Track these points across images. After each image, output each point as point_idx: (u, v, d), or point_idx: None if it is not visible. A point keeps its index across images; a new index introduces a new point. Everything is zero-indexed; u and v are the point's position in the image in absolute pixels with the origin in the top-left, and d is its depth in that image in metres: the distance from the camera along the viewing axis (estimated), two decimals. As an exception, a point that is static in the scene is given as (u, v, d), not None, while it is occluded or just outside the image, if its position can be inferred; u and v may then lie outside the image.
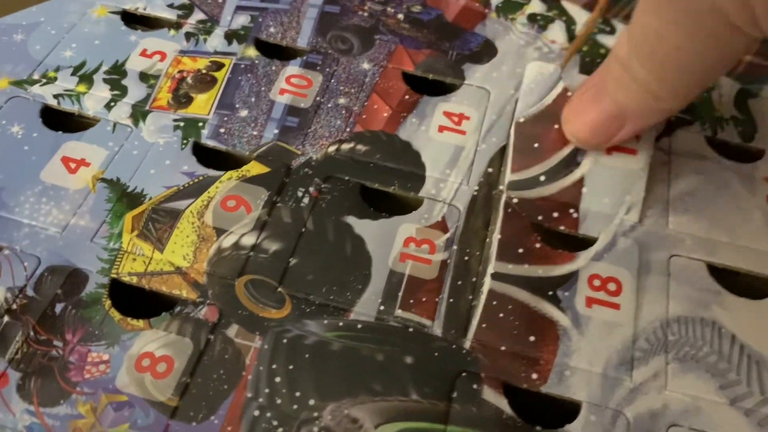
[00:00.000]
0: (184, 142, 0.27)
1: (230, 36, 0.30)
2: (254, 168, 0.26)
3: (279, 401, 0.21)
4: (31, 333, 0.22)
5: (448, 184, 0.26)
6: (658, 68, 0.20)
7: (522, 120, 0.25)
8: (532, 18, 0.31)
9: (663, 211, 0.25)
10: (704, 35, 0.19)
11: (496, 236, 0.24)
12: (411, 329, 0.22)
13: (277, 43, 0.30)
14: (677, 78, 0.20)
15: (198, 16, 0.31)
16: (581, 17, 0.31)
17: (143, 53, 0.29)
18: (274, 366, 0.21)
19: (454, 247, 0.24)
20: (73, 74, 0.29)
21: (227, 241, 0.24)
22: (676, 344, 0.22)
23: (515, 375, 0.21)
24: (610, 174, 0.24)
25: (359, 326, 0.22)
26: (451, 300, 0.23)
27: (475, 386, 0.21)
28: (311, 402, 0.21)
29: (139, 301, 0.23)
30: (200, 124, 0.27)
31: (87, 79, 0.28)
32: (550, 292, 0.23)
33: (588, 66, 0.29)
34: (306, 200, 0.25)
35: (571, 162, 0.25)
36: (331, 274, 0.23)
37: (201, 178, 0.26)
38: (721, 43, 0.19)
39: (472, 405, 0.21)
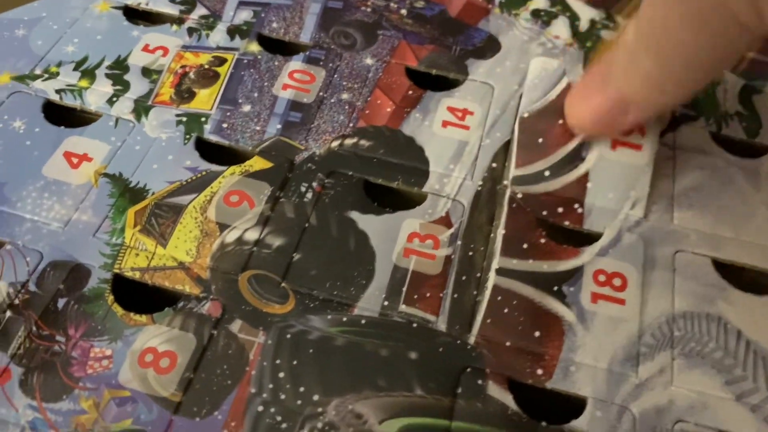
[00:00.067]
0: (187, 137, 0.27)
1: (233, 31, 0.30)
2: (257, 163, 0.26)
3: (283, 396, 0.21)
4: (34, 328, 0.22)
5: (452, 180, 0.26)
6: (663, 61, 0.20)
7: (526, 115, 0.25)
8: (536, 13, 0.31)
9: (668, 206, 0.25)
10: (711, 31, 0.19)
11: (501, 231, 0.24)
12: (415, 325, 0.22)
13: (280, 38, 0.30)
14: (682, 71, 0.20)
15: (200, 11, 0.31)
16: (585, 13, 0.31)
17: (145, 48, 0.29)
18: (277, 361, 0.21)
19: (459, 242, 0.24)
20: (75, 69, 0.28)
21: (230, 237, 0.24)
22: (681, 340, 0.22)
23: (520, 370, 0.21)
24: (615, 169, 0.24)
25: (363, 321, 0.22)
26: (455, 295, 0.23)
27: (479, 382, 0.21)
28: (315, 397, 0.21)
29: (141, 297, 0.23)
30: (203, 119, 0.27)
31: (89, 74, 0.28)
32: (555, 288, 0.23)
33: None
34: (309, 195, 0.25)
35: (576, 157, 0.25)
36: (334, 270, 0.23)
37: (204, 173, 0.25)
38: (727, 40, 0.19)
39: (477, 400, 0.21)
